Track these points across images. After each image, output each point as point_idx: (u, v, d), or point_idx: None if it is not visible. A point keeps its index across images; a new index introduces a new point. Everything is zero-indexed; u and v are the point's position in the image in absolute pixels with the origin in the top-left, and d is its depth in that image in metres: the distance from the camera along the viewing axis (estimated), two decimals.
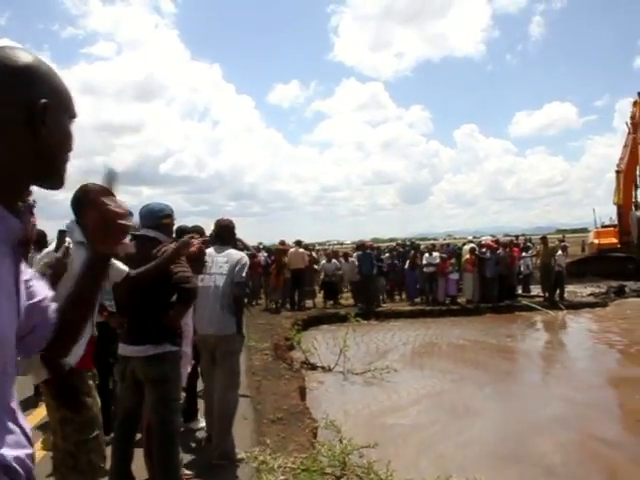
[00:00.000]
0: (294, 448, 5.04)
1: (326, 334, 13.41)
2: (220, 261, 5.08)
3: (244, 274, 5.17)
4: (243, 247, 7.13)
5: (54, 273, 2.40)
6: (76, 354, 2.85)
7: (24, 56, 1.18)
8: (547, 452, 6.21)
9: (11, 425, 1.16)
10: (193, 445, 5.40)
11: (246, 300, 16.07)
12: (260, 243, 21.12)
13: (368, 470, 3.73)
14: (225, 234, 5.34)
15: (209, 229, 5.85)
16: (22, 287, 1.21)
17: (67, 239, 2.83)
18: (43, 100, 1.15)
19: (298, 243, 17.56)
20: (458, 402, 8.27)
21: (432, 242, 22.90)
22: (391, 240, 32.69)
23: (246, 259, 5.26)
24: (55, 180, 1.24)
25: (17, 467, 1.12)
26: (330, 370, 9.97)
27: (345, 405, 8.03)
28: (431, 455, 6.19)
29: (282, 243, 17.64)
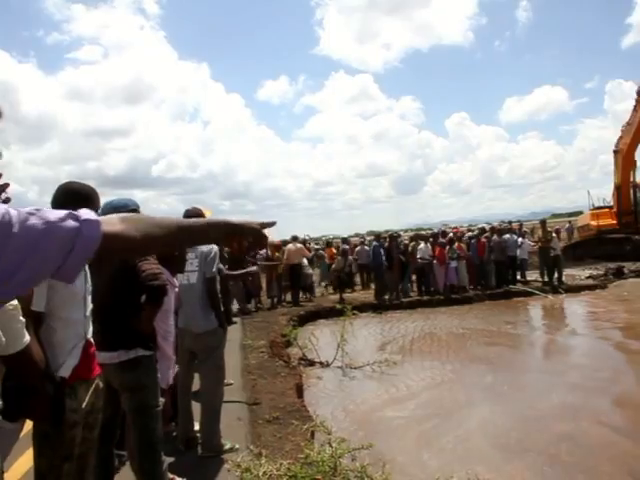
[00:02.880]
0: (291, 448, 4.91)
1: (324, 329, 13.28)
2: (190, 257, 4.96)
3: (214, 268, 5.09)
4: None
5: None
6: (68, 365, 2.68)
7: None
8: (553, 441, 6.01)
9: None
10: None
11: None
12: None
13: (362, 474, 3.55)
14: None
15: None
16: None
17: None
18: None
19: (294, 238, 17.51)
20: (459, 393, 8.11)
21: (423, 232, 22.83)
22: (387, 232, 32.59)
23: (215, 251, 5.12)
24: None
25: None
26: (328, 365, 9.81)
27: (344, 400, 7.87)
28: (432, 449, 6.01)
29: (295, 238, 17.51)
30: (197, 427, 5.33)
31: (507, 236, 17.90)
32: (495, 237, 17.54)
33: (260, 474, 3.35)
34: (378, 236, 18.94)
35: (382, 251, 16.78)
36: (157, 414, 3.67)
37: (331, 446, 3.67)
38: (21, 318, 2.21)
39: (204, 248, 5.06)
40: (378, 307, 15.97)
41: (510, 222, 24.17)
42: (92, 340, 2.91)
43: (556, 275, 17.85)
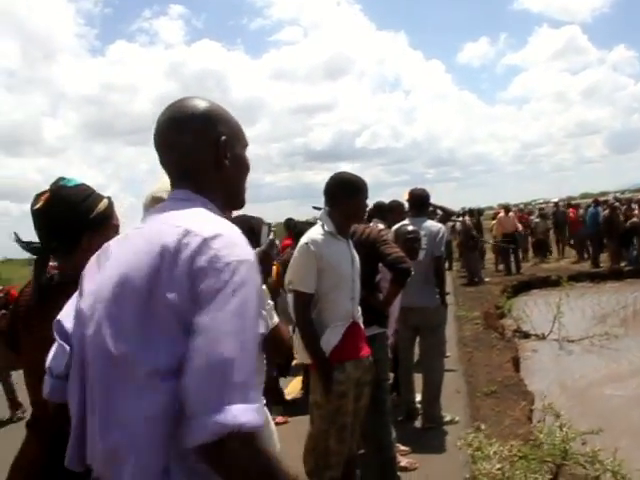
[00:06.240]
0: (510, 423, 5.07)
1: (537, 299, 12.99)
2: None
3: (443, 247, 5.39)
4: (444, 215, 7.13)
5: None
6: (327, 342, 3.10)
7: (203, 102, 1.37)
8: None
9: None
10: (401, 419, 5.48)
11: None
12: (463, 208, 19.82)
13: (593, 459, 3.57)
14: (418, 204, 5.51)
15: None
16: None
17: (270, 234, 2.73)
18: (223, 137, 1.34)
19: (506, 207, 17.48)
20: None
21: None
22: (602, 194, 30.35)
23: (444, 231, 5.46)
24: (238, 203, 1.49)
25: None
26: (544, 338, 9.66)
27: (560, 375, 7.80)
28: None
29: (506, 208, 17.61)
30: (418, 399, 5.66)
31: None
32: None
33: (491, 453, 3.57)
34: (596, 201, 18.07)
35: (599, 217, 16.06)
36: (387, 386, 4.02)
37: (561, 429, 3.74)
38: (269, 301, 2.43)
39: (433, 228, 5.36)
40: (595, 276, 15.23)
41: None
42: (359, 322, 3.32)
43: None
